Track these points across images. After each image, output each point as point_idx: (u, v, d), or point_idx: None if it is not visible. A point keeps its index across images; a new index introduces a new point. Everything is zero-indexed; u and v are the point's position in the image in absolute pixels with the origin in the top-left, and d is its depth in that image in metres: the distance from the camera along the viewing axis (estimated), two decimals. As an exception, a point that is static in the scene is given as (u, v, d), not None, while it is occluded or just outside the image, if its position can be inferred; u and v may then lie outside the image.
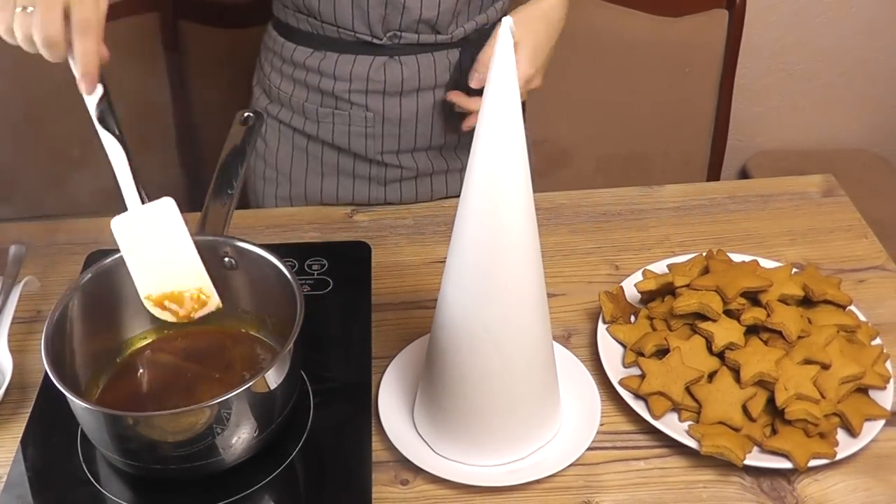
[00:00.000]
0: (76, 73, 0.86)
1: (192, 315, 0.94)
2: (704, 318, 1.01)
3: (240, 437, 0.88)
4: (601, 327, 1.07)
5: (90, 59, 0.85)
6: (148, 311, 0.95)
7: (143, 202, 0.91)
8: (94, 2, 0.85)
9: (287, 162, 1.34)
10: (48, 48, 0.84)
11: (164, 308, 0.93)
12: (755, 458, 0.92)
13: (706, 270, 1.06)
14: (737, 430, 0.94)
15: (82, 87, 0.86)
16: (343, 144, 1.29)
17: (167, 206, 0.91)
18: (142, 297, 0.93)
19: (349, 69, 1.23)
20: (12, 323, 1.06)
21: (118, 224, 0.91)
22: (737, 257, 1.12)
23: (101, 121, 0.88)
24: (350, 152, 1.30)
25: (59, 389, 0.83)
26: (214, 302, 0.94)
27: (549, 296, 0.91)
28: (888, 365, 1.00)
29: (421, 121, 1.27)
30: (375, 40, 1.20)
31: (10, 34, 0.85)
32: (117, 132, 0.88)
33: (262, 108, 1.34)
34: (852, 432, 0.94)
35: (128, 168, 0.89)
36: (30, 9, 0.83)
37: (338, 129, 1.28)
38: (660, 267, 1.14)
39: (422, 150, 1.31)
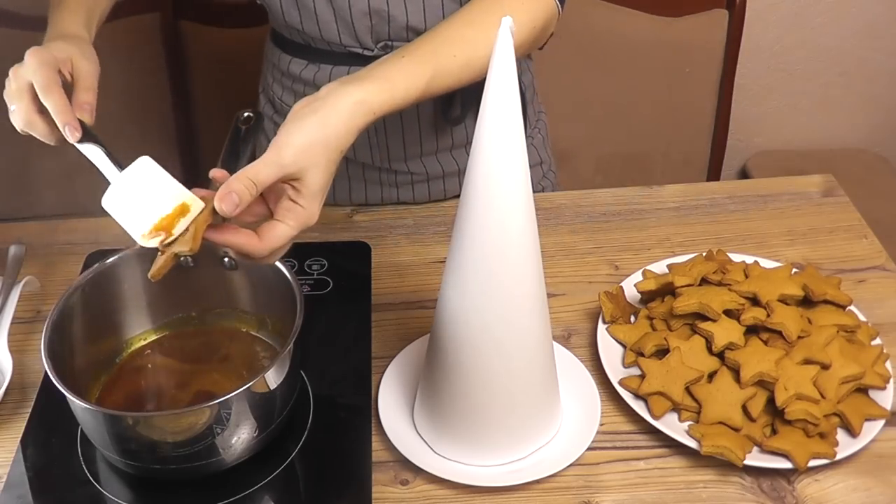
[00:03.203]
0: (60, 126, 0.87)
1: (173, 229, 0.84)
2: (704, 318, 1.01)
3: (240, 438, 0.88)
4: (601, 327, 1.07)
5: (60, 110, 0.87)
6: (146, 311, 0.94)
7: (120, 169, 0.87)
8: (40, 65, 0.88)
9: None
10: (30, 129, 0.89)
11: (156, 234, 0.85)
12: (755, 458, 0.92)
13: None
14: (737, 430, 0.94)
15: (67, 135, 0.88)
16: (349, 155, 1.28)
17: (145, 163, 0.87)
18: (137, 238, 0.84)
19: None
20: (12, 323, 1.06)
21: (108, 202, 0.86)
22: (737, 257, 1.12)
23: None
24: (357, 161, 1.29)
25: (58, 389, 0.84)
26: (198, 206, 0.84)
27: (549, 296, 0.91)
28: (888, 365, 1.00)
29: (424, 126, 1.26)
30: (367, 52, 1.18)
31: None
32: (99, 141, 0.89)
33: (268, 117, 1.34)
34: (852, 432, 0.94)
35: (105, 157, 0.88)
36: (13, 107, 0.89)
37: None
38: (660, 267, 1.14)
39: (430, 154, 1.30)
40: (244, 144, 1.03)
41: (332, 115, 0.87)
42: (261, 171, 0.82)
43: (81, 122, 0.88)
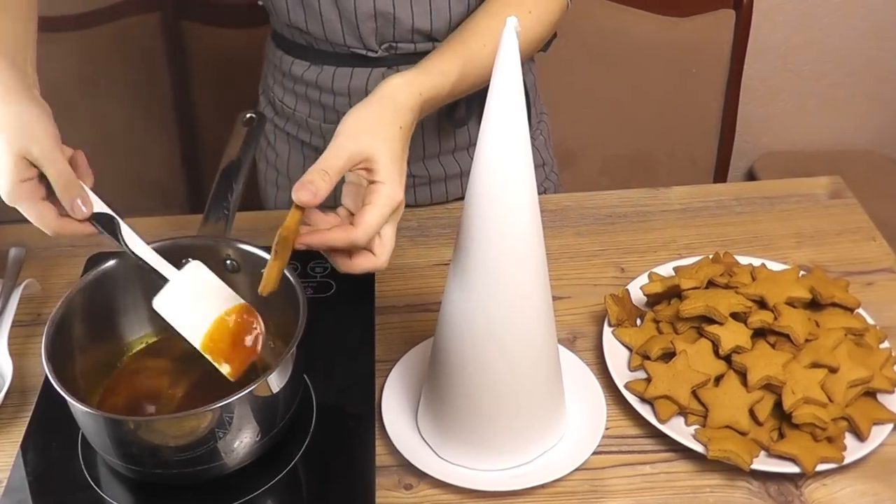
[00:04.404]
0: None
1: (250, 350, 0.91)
2: (711, 321, 1.00)
3: (242, 442, 0.88)
4: (607, 330, 1.06)
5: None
6: (147, 314, 0.95)
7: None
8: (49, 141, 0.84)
9: (298, 171, 1.32)
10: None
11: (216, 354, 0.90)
12: (762, 463, 0.91)
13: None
14: (744, 434, 0.93)
15: (74, 210, 0.87)
16: None
17: (197, 267, 0.92)
18: (199, 348, 0.90)
19: (347, 83, 1.21)
20: (12, 326, 1.05)
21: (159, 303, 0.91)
22: (744, 260, 1.12)
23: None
24: None
25: (59, 393, 0.83)
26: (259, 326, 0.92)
27: (555, 298, 0.91)
28: (897, 368, 1.00)
29: (427, 129, 1.26)
30: (370, 53, 1.18)
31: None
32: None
33: (269, 119, 1.33)
34: (860, 436, 0.93)
35: (150, 250, 0.91)
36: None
37: None
38: (666, 269, 1.13)
39: (433, 157, 1.29)
40: (247, 145, 1.02)
41: (376, 97, 0.92)
42: (328, 158, 0.86)
43: None
